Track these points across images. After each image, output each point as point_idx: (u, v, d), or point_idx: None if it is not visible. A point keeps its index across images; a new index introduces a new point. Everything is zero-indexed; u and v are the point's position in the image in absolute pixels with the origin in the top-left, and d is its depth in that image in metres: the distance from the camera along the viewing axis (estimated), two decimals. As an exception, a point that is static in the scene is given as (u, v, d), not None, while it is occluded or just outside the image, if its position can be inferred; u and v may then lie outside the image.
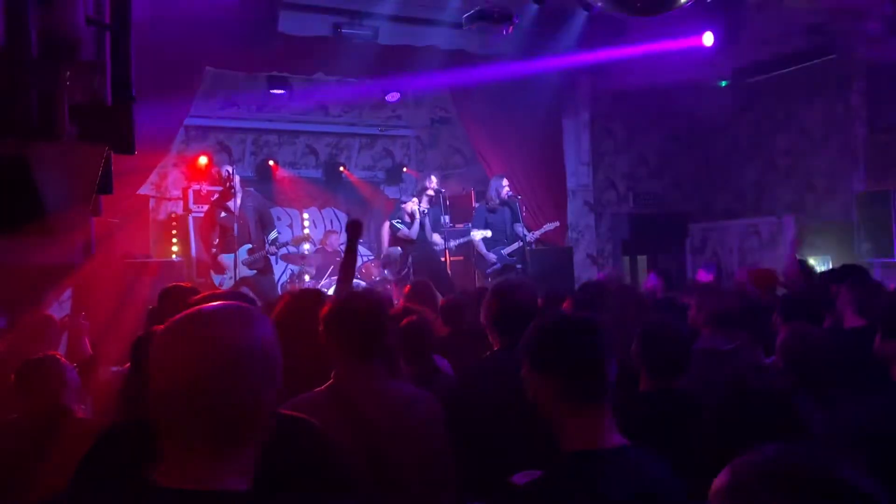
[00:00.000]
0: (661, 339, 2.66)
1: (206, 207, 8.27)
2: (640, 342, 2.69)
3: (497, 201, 7.88)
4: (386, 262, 8.14)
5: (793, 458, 1.01)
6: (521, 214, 7.91)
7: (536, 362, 1.80)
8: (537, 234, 7.94)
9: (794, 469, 0.99)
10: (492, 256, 7.83)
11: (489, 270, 7.82)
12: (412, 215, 7.89)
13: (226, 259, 7.37)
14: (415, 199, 7.99)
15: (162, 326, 1.29)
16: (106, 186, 1.97)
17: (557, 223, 8.11)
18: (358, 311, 2.22)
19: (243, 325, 1.22)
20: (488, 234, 7.82)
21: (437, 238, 7.97)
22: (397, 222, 7.92)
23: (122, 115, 1.61)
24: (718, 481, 1.04)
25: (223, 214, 7.38)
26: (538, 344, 1.81)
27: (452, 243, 8.04)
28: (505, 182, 7.92)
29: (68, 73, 1.47)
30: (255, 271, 7.40)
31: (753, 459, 1.03)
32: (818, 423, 2.39)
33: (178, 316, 1.24)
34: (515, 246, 7.84)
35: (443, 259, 8.01)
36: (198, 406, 1.15)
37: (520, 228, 7.81)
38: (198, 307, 1.26)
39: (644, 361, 2.68)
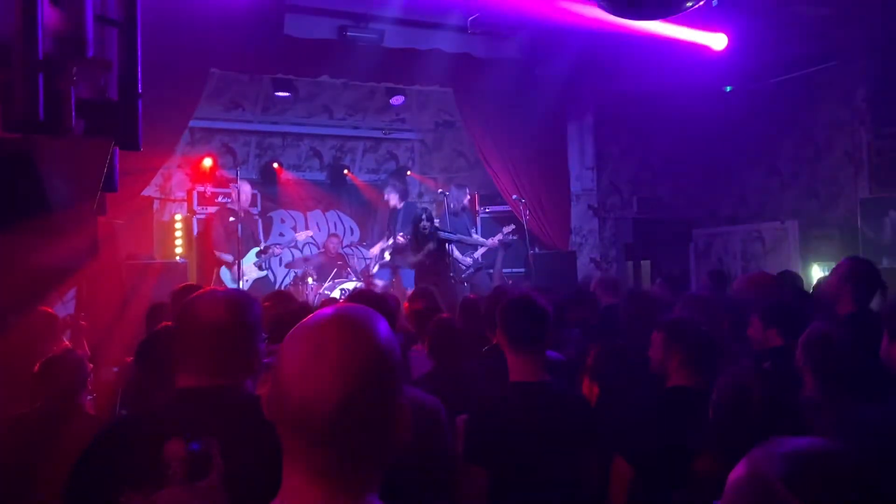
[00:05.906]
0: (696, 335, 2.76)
1: (210, 209, 8.71)
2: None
3: (459, 208, 8.49)
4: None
5: (815, 454, 0.99)
6: (525, 219, 8.09)
7: None
8: (499, 237, 8.32)
9: (818, 465, 0.97)
10: (467, 260, 8.45)
11: (464, 274, 8.41)
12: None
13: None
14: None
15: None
16: (111, 184, 1.97)
17: (514, 226, 8.25)
18: None
19: (378, 323, 1.10)
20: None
21: (457, 254, 8.31)
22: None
23: (128, 111, 1.61)
24: (736, 473, 1.02)
25: (231, 219, 7.95)
26: None
27: (470, 259, 8.51)
28: (467, 193, 8.57)
29: (76, 69, 1.48)
30: (265, 272, 8.12)
31: (773, 452, 1.00)
32: (843, 424, 2.37)
33: (314, 320, 1.08)
34: (484, 249, 8.44)
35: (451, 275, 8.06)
36: (357, 417, 1.02)
37: (477, 236, 8.60)
38: (330, 309, 1.11)
39: (678, 356, 2.72)
